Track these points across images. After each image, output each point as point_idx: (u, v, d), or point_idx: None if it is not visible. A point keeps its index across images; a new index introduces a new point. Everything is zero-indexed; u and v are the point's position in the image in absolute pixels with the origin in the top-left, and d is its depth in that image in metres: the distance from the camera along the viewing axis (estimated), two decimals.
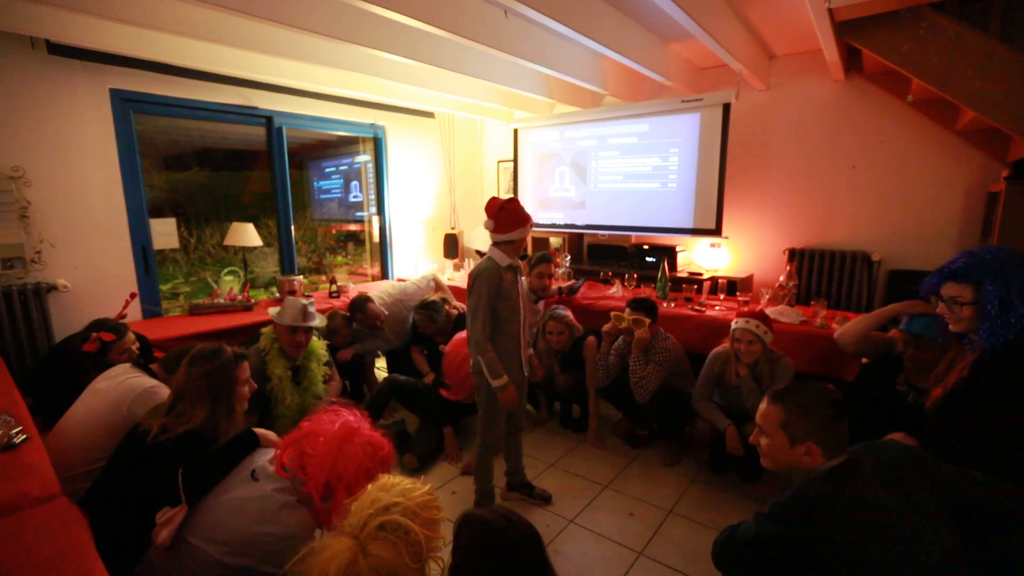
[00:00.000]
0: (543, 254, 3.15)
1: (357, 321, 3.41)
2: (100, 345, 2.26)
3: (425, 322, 3.24)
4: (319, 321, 2.70)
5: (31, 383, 2.41)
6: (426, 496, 1.12)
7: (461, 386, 2.87)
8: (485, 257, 2.18)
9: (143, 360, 2.29)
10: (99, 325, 2.31)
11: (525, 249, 3.16)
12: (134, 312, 3.51)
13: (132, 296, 2.99)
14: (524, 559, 1.04)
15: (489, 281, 2.08)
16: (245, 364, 1.74)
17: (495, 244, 2.17)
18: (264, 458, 1.46)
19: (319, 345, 2.74)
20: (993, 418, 1.38)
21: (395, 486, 1.13)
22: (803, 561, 1.08)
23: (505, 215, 2.12)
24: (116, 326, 2.34)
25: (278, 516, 1.32)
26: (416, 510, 1.07)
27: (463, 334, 2.63)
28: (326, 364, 2.76)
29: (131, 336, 2.40)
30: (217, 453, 1.49)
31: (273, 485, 1.36)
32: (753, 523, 1.19)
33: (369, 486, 1.15)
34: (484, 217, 2.18)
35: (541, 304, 3.27)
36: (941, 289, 1.48)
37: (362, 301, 3.39)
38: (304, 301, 2.60)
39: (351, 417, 1.41)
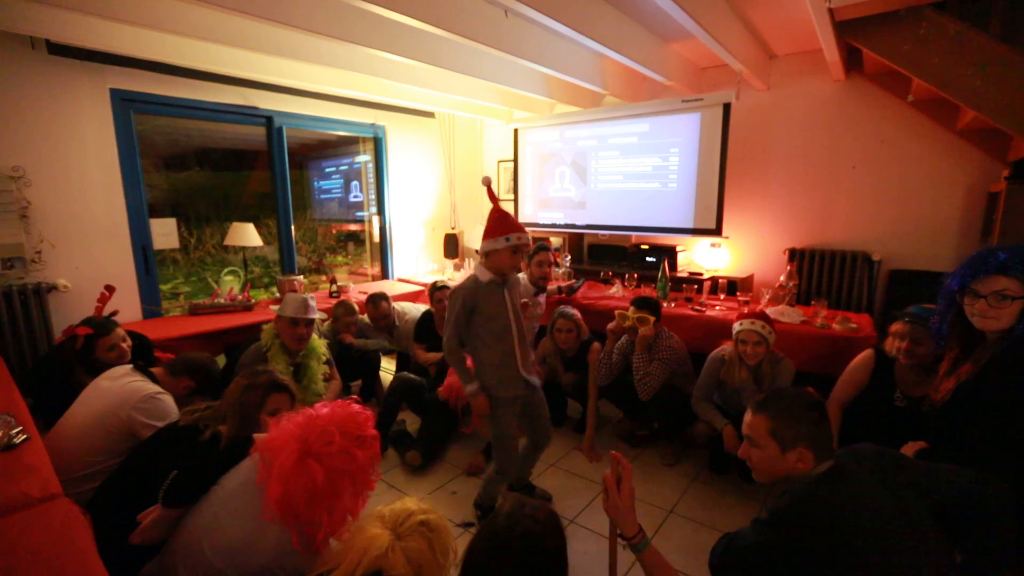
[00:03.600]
0: (541, 243, 3.10)
1: (368, 313, 3.55)
2: (83, 341, 2.23)
3: (436, 297, 3.32)
4: (319, 316, 2.73)
5: (31, 383, 2.39)
6: (443, 520, 1.20)
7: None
8: (470, 275, 2.12)
9: (144, 360, 2.27)
10: (85, 323, 2.29)
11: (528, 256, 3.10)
12: (134, 312, 3.51)
13: (108, 289, 2.56)
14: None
15: (464, 298, 2.03)
16: (276, 396, 1.71)
17: (482, 257, 2.09)
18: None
19: (319, 344, 2.75)
20: (1005, 417, 1.37)
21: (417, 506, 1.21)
22: (804, 568, 1.07)
23: (488, 220, 2.06)
24: (101, 322, 2.31)
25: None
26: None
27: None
28: (326, 363, 2.77)
29: (120, 332, 2.35)
30: (215, 458, 1.49)
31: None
32: (752, 531, 1.17)
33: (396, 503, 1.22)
34: (485, 217, 2.15)
35: (542, 297, 3.21)
36: (980, 284, 1.39)
37: (378, 296, 3.53)
38: (305, 296, 2.63)
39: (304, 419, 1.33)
